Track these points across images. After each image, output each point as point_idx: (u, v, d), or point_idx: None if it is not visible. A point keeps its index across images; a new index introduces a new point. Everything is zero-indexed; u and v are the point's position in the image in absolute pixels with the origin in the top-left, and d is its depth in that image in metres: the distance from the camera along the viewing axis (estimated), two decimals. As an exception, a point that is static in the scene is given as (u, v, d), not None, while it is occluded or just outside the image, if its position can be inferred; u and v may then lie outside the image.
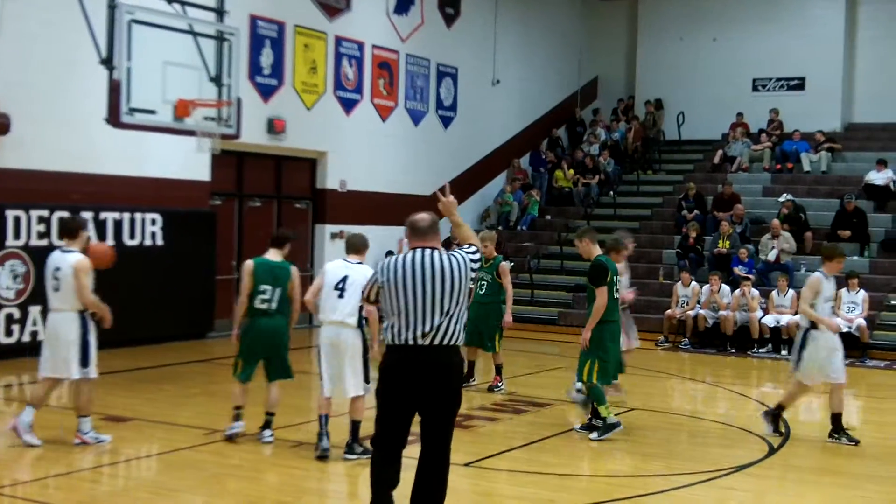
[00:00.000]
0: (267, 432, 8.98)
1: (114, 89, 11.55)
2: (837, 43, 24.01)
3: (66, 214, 13.13)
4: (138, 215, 15.04)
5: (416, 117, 21.11)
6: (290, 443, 9.03)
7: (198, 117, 12.38)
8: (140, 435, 9.49)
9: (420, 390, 5.91)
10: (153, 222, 15.26)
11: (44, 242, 13.45)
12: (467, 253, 6.08)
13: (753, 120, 23.71)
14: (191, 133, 12.49)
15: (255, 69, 17.09)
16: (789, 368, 10.03)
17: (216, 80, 12.64)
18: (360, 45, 19.49)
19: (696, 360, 16.37)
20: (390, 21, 20.23)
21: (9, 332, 13.36)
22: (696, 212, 20.59)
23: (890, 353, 16.39)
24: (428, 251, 6.00)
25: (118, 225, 14.70)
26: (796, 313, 15.98)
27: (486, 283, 11.92)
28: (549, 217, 23.06)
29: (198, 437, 9.18)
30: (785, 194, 20.20)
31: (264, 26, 17.37)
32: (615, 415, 9.78)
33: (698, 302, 17.52)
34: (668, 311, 17.72)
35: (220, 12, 13.26)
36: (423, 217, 6.14)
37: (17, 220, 13.44)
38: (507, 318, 11.99)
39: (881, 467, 9.15)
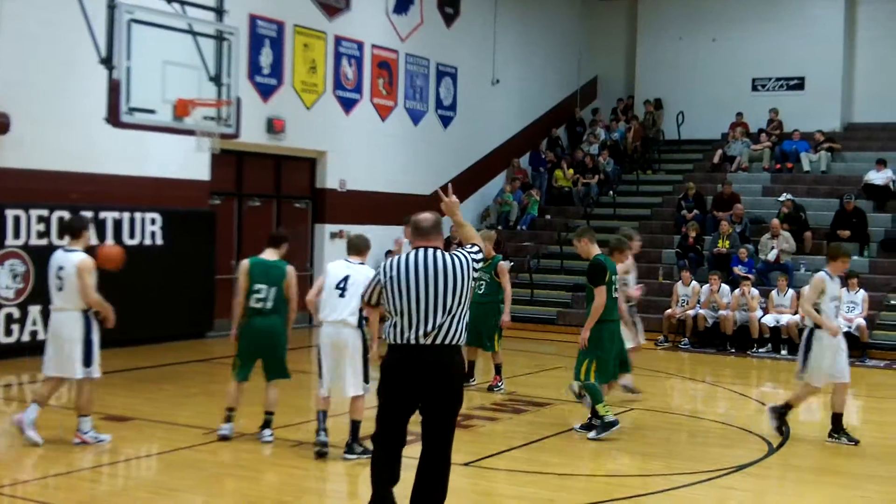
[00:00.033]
0: (267, 432, 8.98)
1: (113, 89, 11.56)
2: (837, 43, 24.01)
3: (65, 214, 13.14)
4: (138, 215, 15.04)
5: (416, 117, 21.11)
6: (289, 442, 9.03)
7: (197, 117, 12.38)
8: (140, 434, 9.49)
9: (421, 389, 5.92)
10: (153, 222, 15.25)
11: (43, 242, 13.47)
12: (470, 253, 6.09)
13: (753, 120, 23.70)
14: (190, 133, 12.50)
15: (254, 69, 17.08)
16: (796, 370, 10.01)
17: (216, 79, 12.65)
18: (360, 45, 19.49)
19: (696, 360, 16.37)
20: (390, 21, 20.23)
21: (8, 332, 13.36)
22: (695, 211, 20.58)
23: (890, 353, 16.39)
24: (431, 250, 6.00)
25: (118, 224, 14.69)
26: (796, 313, 16.03)
27: (484, 282, 11.89)
28: (548, 217, 23.05)
29: (197, 436, 9.18)
30: (784, 194, 20.20)
31: (264, 26, 17.36)
32: (614, 414, 9.78)
33: (698, 302, 17.52)
34: (668, 311, 17.72)
35: (219, 12, 13.26)
36: (426, 217, 6.14)
37: (16, 219, 13.44)
38: (506, 317, 11.98)
39: (881, 467, 9.14)
